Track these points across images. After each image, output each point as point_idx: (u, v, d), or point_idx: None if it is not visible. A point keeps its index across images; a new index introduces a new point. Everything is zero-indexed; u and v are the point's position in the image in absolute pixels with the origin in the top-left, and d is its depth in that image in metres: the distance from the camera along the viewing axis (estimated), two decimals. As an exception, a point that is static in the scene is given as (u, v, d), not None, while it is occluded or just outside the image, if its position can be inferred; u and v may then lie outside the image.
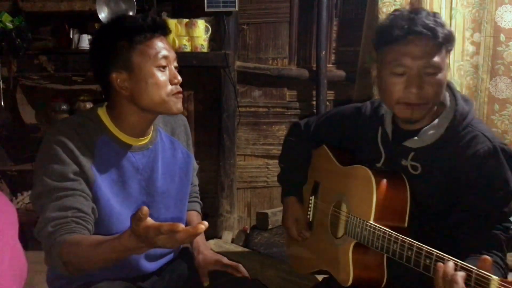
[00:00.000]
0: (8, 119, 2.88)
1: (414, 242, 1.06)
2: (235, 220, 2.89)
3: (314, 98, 2.75)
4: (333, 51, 2.77)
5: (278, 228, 2.70)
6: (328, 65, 2.71)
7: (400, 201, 1.20)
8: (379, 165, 1.30)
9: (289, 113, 2.86)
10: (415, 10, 1.20)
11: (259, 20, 2.81)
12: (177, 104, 1.23)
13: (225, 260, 1.35)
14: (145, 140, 1.28)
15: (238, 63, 2.79)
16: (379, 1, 2.37)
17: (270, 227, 2.70)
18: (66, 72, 2.81)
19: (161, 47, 1.19)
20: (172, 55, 1.23)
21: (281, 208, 2.86)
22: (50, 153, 1.14)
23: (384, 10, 2.37)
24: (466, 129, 1.19)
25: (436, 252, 1.01)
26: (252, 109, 2.88)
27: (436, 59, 1.14)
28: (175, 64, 1.24)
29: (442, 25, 1.15)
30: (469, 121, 1.19)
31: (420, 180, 1.21)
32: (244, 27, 2.82)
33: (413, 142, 1.23)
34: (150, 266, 1.30)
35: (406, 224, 1.19)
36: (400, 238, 1.10)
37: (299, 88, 2.83)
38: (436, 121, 1.22)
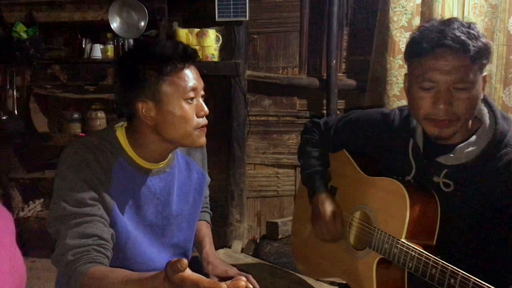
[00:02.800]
0: (21, 127, 2.91)
1: (455, 269, 1.00)
2: (245, 229, 2.87)
3: (325, 107, 2.73)
4: (344, 60, 2.76)
5: (288, 237, 2.67)
6: (338, 74, 2.70)
7: (430, 219, 1.16)
8: (409, 178, 1.25)
9: (299, 122, 2.85)
10: (448, 21, 1.12)
11: (269, 30, 2.81)
12: (201, 138, 1.19)
13: (234, 271, 1.34)
14: (162, 164, 1.25)
15: (248, 72, 2.79)
16: (390, 10, 2.37)
17: (280, 236, 2.68)
18: (78, 81, 2.84)
19: (191, 78, 1.15)
20: (201, 85, 1.19)
21: (292, 217, 2.85)
22: (67, 177, 1.12)
23: (395, 19, 2.36)
24: (505, 148, 1.12)
25: (480, 283, 0.95)
26: (262, 118, 2.88)
27: (467, 74, 1.07)
28: (203, 93, 1.20)
29: (476, 37, 1.07)
30: (508, 140, 1.13)
31: (452, 199, 1.17)
32: (255, 36, 2.83)
33: (447, 159, 1.17)
34: None
35: (434, 242, 1.16)
36: (440, 263, 1.04)
37: (310, 97, 2.83)
38: (472, 138, 1.15)
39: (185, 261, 0.85)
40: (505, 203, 1.10)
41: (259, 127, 2.88)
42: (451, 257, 1.10)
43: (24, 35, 2.73)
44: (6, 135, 2.89)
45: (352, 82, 2.74)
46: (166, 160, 1.26)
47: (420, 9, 2.35)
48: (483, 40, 1.09)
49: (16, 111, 2.90)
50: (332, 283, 2.18)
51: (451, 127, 1.12)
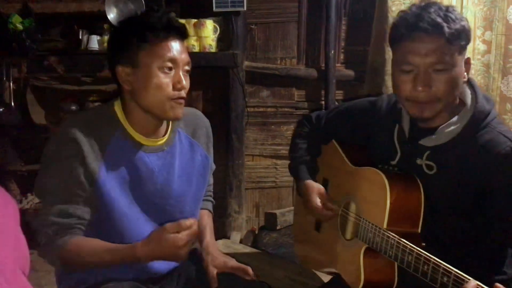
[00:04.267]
0: (18, 119, 2.90)
1: (430, 257, 1.03)
2: (244, 220, 2.88)
3: (323, 98, 2.73)
4: (342, 50, 2.75)
5: (286, 228, 2.69)
6: (337, 65, 2.69)
7: (413, 207, 1.18)
8: (394, 163, 1.27)
9: (297, 113, 2.84)
10: (426, 5, 1.15)
11: (267, 20, 2.79)
12: (175, 110, 1.19)
13: (234, 262, 1.35)
14: (160, 141, 1.26)
15: (246, 63, 2.78)
16: (389, 0, 2.35)
17: (278, 227, 2.69)
18: (75, 73, 2.82)
19: (171, 49, 1.17)
20: (183, 59, 1.20)
21: (290, 208, 2.86)
22: (58, 152, 1.15)
23: (394, 8, 2.35)
24: (485, 128, 1.14)
25: (454, 271, 0.97)
26: (261, 109, 2.87)
27: (445, 55, 1.10)
28: (186, 68, 1.22)
29: (453, 20, 1.10)
30: (489, 120, 1.15)
31: (435, 180, 1.18)
32: (253, 27, 2.81)
33: (429, 141, 1.19)
34: (161, 267, 1.30)
35: (419, 230, 1.17)
36: (415, 250, 1.06)
37: (308, 88, 2.82)
38: (454, 118, 1.18)
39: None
40: (484, 183, 1.11)
41: (257, 118, 2.87)
42: (438, 243, 1.11)
43: (20, 26, 2.70)
44: (2, 127, 2.87)
45: (350, 73, 2.73)
46: (165, 139, 1.27)
47: (419, -2, 2.34)
48: (462, 22, 1.12)
49: (13, 103, 2.88)
50: (331, 273, 2.19)
51: (432, 108, 1.15)
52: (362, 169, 1.31)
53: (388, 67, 2.40)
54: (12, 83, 2.87)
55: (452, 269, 0.98)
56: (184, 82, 1.19)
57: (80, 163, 1.14)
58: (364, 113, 1.37)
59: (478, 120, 1.15)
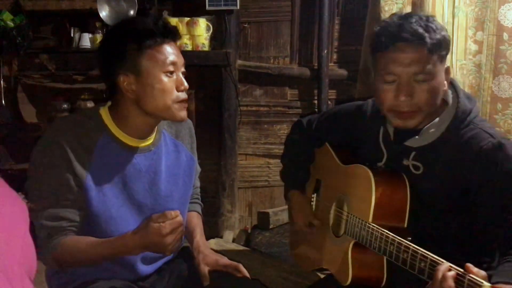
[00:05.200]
0: (9, 118, 2.88)
1: (410, 245, 1.05)
2: (236, 219, 2.88)
3: (316, 97, 2.73)
4: (335, 50, 2.76)
5: (279, 227, 2.69)
6: (329, 64, 2.70)
7: (399, 201, 1.19)
8: (380, 164, 1.29)
9: (290, 112, 2.85)
10: (406, 15, 1.17)
11: (260, 19, 2.79)
12: (181, 112, 1.21)
13: (225, 260, 1.34)
14: (147, 142, 1.26)
15: (239, 62, 2.78)
16: (381, 0, 2.36)
17: (271, 226, 2.69)
18: (67, 71, 2.80)
19: (170, 52, 1.18)
20: (181, 61, 1.22)
21: (283, 207, 2.86)
22: (46, 156, 1.15)
23: (386, 8, 2.36)
24: (467, 127, 1.16)
25: (430, 256, 1.00)
26: (253, 108, 2.87)
27: (427, 65, 1.11)
28: (183, 70, 1.23)
29: (434, 30, 1.12)
30: (471, 119, 1.17)
31: (422, 180, 1.20)
32: (246, 25, 2.81)
33: (414, 141, 1.21)
34: (147, 269, 1.30)
35: (405, 224, 1.18)
36: (396, 240, 1.08)
37: (301, 87, 2.82)
38: (437, 119, 1.20)
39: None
40: (469, 179, 1.13)
41: (250, 117, 2.87)
42: (426, 240, 1.12)
43: (11, 24, 2.68)
44: (-7, 125, 2.85)
45: (343, 72, 2.74)
46: (152, 139, 1.28)
47: (411, -2, 2.35)
48: (442, 32, 1.13)
49: (3, 101, 2.86)
50: (321, 271, 2.20)
51: (414, 118, 1.16)
52: (350, 167, 1.33)
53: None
54: (3, 81, 2.84)
55: (428, 254, 1.00)
56: (186, 83, 1.21)
57: (67, 167, 1.14)
58: (351, 116, 1.40)
59: (461, 119, 1.16)
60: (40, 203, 1.15)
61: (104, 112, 1.23)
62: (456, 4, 2.27)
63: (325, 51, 2.63)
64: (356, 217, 1.22)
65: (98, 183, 1.17)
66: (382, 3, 2.35)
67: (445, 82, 1.18)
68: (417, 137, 1.21)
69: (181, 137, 1.37)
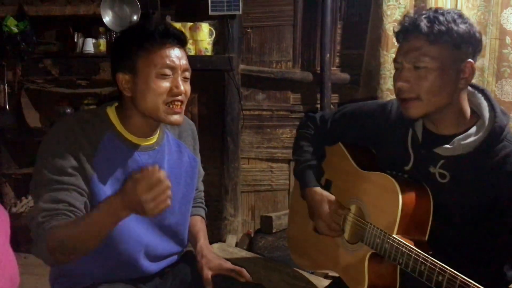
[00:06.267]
0: (13, 122, 2.89)
1: (436, 262, 1.03)
2: (239, 223, 2.88)
3: (318, 101, 2.73)
4: (338, 54, 2.76)
5: (282, 231, 2.68)
6: (332, 68, 2.70)
7: (423, 215, 1.17)
8: (407, 168, 1.26)
9: (293, 116, 2.85)
10: (428, 9, 1.20)
11: (263, 23, 2.80)
12: (172, 116, 1.21)
13: (228, 264, 1.34)
14: (151, 141, 1.28)
15: (242, 66, 2.78)
16: (384, 4, 2.36)
17: (274, 230, 2.68)
18: (70, 75, 2.82)
19: (168, 56, 1.19)
20: (182, 66, 1.22)
21: (286, 211, 2.85)
22: (52, 145, 1.16)
23: (389, 13, 2.36)
24: (502, 143, 1.14)
25: (473, 284, 0.97)
26: (256, 112, 2.88)
27: (427, 53, 1.12)
28: (186, 74, 1.23)
29: (440, 22, 1.12)
30: (505, 135, 1.15)
31: (447, 190, 1.18)
32: (248, 30, 2.82)
33: (444, 150, 1.18)
34: (151, 267, 1.30)
35: (426, 237, 1.17)
36: (429, 260, 1.06)
37: (303, 91, 2.82)
38: (471, 130, 1.17)
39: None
40: (499, 198, 1.11)
41: (253, 121, 2.88)
42: (445, 251, 1.11)
43: (15, 29, 2.70)
44: (-3, 130, 2.87)
45: (345, 76, 2.74)
46: (155, 138, 1.29)
47: (413, 2, 2.36)
48: (450, 25, 1.12)
49: (7, 106, 2.88)
50: (326, 276, 2.19)
51: (415, 107, 1.17)
52: (371, 174, 1.29)
53: (383, 71, 2.42)
54: (7, 86, 2.86)
55: (468, 281, 0.98)
56: (182, 87, 1.20)
57: (73, 157, 1.15)
58: (374, 116, 1.36)
59: (497, 134, 1.14)
60: (42, 189, 1.13)
61: (111, 111, 1.25)
62: (459, 7, 2.28)
63: (328, 55, 2.63)
64: (378, 228, 1.20)
65: (101, 177, 1.18)
66: (385, 7, 2.36)
67: (464, 79, 1.15)
68: (448, 146, 1.18)
69: (184, 138, 1.39)
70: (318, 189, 1.41)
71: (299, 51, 2.79)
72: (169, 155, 1.32)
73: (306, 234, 1.54)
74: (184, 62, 1.22)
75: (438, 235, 1.17)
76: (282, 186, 2.89)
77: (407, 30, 1.16)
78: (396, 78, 1.19)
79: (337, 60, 2.76)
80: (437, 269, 1.02)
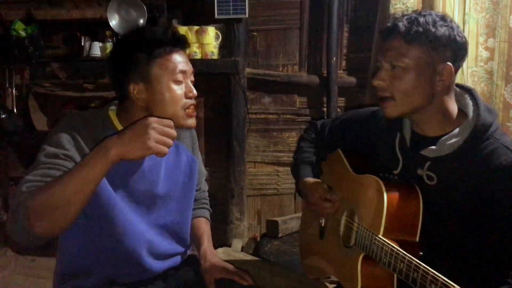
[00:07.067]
0: (20, 126, 2.91)
1: (420, 264, 1.01)
2: (245, 227, 2.86)
3: (325, 105, 2.72)
4: (344, 57, 2.75)
5: (288, 236, 2.66)
6: (338, 72, 2.69)
7: (411, 215, 1.16)
8: (396, 172, 1.26)
9: (299, 120, 2.84)
10: (412, 11, 1.22)
11: (269, 27, 2.80)
12: (189, 120, 1.24)
13: (231, 268, 1.34)
14: None
15: (248, 69, 2.78)
16: (391, 7, 2.35)
17: (280, 235, 2.67)
18: (77, 79, 2.83)
19: (179, 61, 1.21)
20: (190, 69, 1.25)
21: (292, 215, 2.84)
22: (53, 139, 1.16)
23: (396, 15, 2.34)
24: (487, 140, 1.13)
25: (441, 279, 0.95)
26: (262, 116, 2.87)
27: (404, 54, 1.13)
28: (192, 78, 1.26)
29: (419, 23, 1.12)
30: (491, 132, 1.13)
31: (435, 192, 1.17)
32: (254, 33, 2.82)
33: (430, 151, 1.19)
34: (155, 265, 1.30)
35: (417, 238, 1.16)
36: (407, 257, 1.05)
37: (310, 94, 2.81)
38: (456, 130, 1.17)
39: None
40: (485, 195, 1.10)
41: (259, 125, 2.87)
42: (437, 252, 1.09)
43: (23, 33, 2.72)
44: (5, 133, 2.88)
45: (352, 80, 2.73)
46: None
47: (421, 5, 2.34)
48: (428, 26, 1.12)
49: (15, 110, 2.89)
50: (331, 281, 2.17)
51: (390, 107, 1.18)
52: (362, 177, 1.30)
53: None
54: (15, 89, 2.87)
55: (439, 277, 0.96)
56: (195, 90, 1.24)
57: (73, 147, 1.15)
58: (366, 122, 1.38)
59: (480, 132, 1.13)
60: (34, 168, 1.10)
61: (113, 114, 1.26)
62: (467, 11, 2.26)
63: (334, 59, 2.62)
64: (366, 229, 1.20)
65: None
66: (392, 10, 2.34)
67: (441, 81, 1.14)
68: (434, 147, 1.18)
69: (182, 138, 1.39)
70: (311, 178, 1.44)
71: (305, 55, 2.78)
72: (167, 156, 1.32)
73: (311, 240, 1.53)
74: (190, 65, 1.26)
75: (430, 236, 1.16)
76: (288, 190, 2.87)
77: (388, 30, 1.17)
78: (374, 77, 1.20)
79: (343, 63, 2.75)
80: (420, 271, 1.00)
